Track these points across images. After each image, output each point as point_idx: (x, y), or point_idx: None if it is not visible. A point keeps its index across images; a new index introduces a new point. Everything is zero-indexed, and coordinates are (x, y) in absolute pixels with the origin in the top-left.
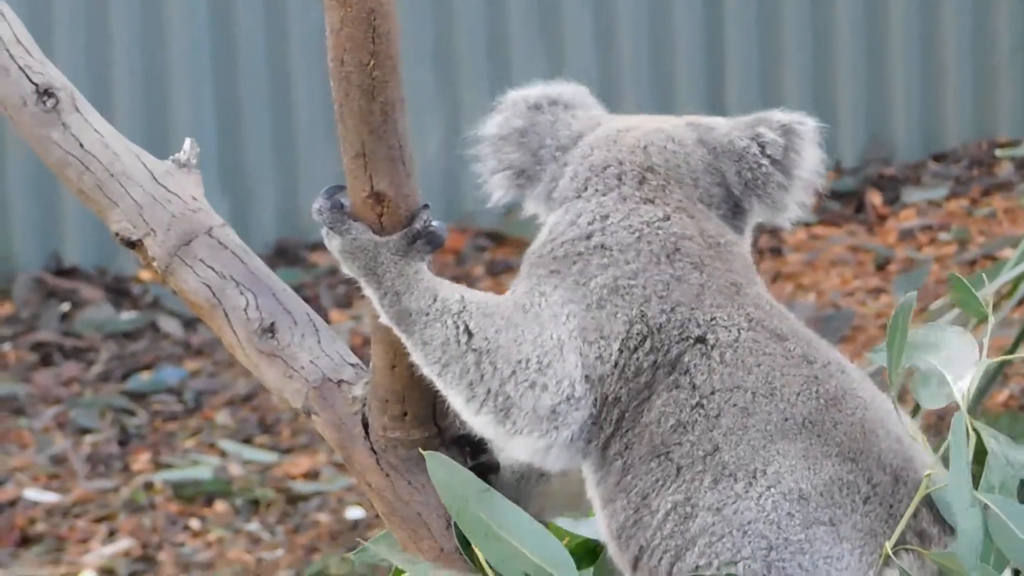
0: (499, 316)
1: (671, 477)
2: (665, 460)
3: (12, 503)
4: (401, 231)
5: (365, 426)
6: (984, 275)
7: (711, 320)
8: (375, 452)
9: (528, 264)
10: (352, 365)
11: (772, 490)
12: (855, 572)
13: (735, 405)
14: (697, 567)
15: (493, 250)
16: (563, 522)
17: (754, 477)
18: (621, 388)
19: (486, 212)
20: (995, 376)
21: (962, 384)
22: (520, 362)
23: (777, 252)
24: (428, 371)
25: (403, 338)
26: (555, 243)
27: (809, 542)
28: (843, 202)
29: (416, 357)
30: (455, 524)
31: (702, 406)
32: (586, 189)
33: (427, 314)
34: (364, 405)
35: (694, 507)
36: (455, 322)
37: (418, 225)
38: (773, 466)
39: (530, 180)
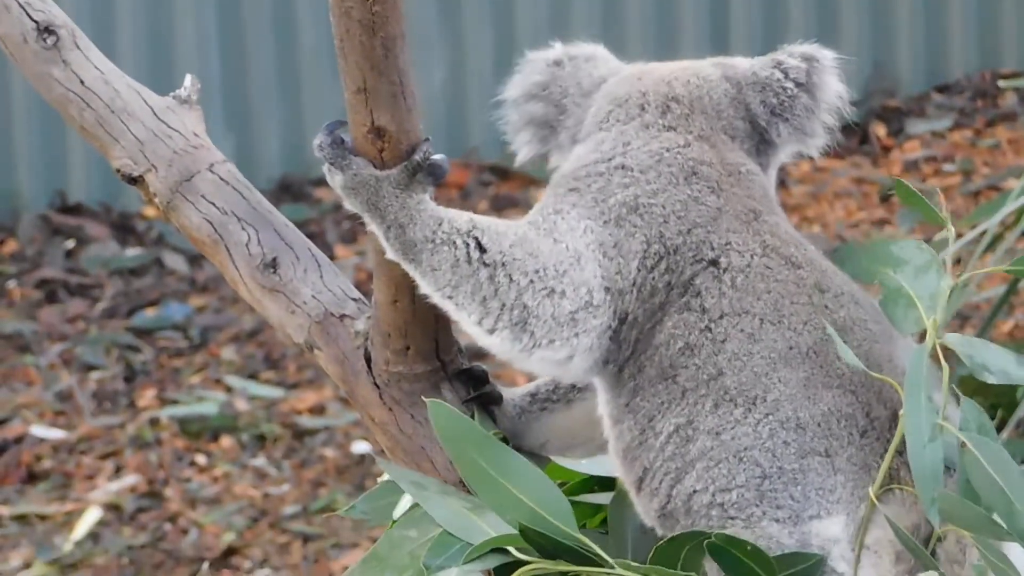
0: (511, 233)
1: (676, 400)
2: (671, 383)
3: (18, 440)
4: (402, 164)
5: (368, 360)
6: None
7: (725, 244)
8: (378, 386)
9: (549, 187)
10: (354, 300)
11: (770, 417)
12: (847, 505)
13: (742, 330)
14: (694, 491)
15: (498, 184)
16: (563, 461)
17: (753, 403)
18: (638, 308)
19: (490, 147)
20: (1000, 305)
21: (929, 308)
22: (537, 271)
23: (782, 184)
24: (438, 297)
25: (410, 269)
26: (575, 167)
27: (803, 472)
28: (847, 134)
29: (425, 286)
30: None
31: (710, 329)
32: (607, 120)
33: (432, 240)
34: (367, 339)
35: (695, 430)
36: (464, 241)
37: (418, 157)
38: (773, 393)
39: (554, 130)
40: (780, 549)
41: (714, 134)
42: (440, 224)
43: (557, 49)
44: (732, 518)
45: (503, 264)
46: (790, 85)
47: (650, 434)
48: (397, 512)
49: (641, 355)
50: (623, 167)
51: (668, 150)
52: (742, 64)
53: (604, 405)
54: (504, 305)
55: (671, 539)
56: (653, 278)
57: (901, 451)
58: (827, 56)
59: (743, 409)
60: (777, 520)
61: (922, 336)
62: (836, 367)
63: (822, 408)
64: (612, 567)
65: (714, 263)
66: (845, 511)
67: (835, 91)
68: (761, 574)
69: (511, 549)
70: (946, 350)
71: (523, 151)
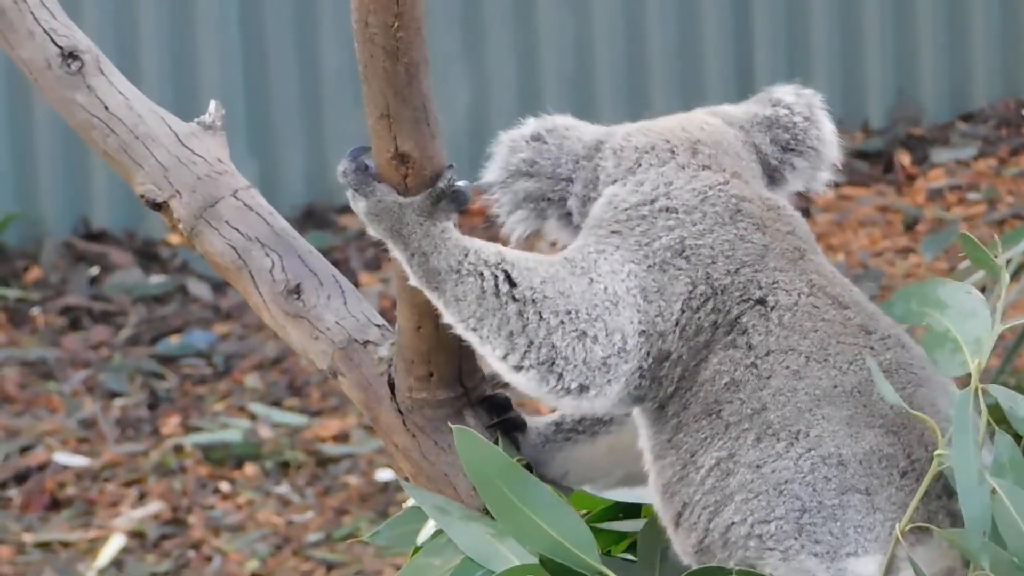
0: (542, 269)
1: (719, 434)
2: (715, 418)
3: (42, 467)
4: (425, 191)
5: (391, 387)
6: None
7: (773, 282)
8: (401, 413)
9: (586, 229)
10: (378, 326)
11: (812, 452)
12: (883, 544)
13: (787, 367)
14: (732, 523)
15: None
16: (588, 489)
17: (796, 438)
18: (682, 346)
19: None
20: None
21: (974, 352)
22: (568, 312)
23: (806, 213)
24: (461, 328)
25: (433, 298)
26: (616, 209)
27: (842, 508)
28: (872, 162)
29: (448, 315)
30: None
31: (755, 366)
32: (640, 165)
33: (458, 271)
34: (390, 366)
35: (736, 463)
36: (492, 273)
37: (442, 184)
38: (816, 429)
39: (552, 202)
40: None
41: (743, 171)
42: (467, 255)
43: (532, 124)
44: (770, 550)
45: (533, 301)
46: (798, 119)
47: (691, 469)
48: (420, 539)
49: (686, 392)
50: (667, 209)
51: (711, 188)
52: (735, 109)
53: (645, 441)
54: (532, 343)
55: (692, 572)
56: (699, 318)
57: (939, 494)
58: (814, 93)
59: (785, 443)
60: (815, 555)
61: (966, 381)
62: (879, 408)
63: (864, 447)
64: None
65: (761, 302)
66: (881, 551)
67: (830, 127)
68: None
69: None
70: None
71: (519, 229)
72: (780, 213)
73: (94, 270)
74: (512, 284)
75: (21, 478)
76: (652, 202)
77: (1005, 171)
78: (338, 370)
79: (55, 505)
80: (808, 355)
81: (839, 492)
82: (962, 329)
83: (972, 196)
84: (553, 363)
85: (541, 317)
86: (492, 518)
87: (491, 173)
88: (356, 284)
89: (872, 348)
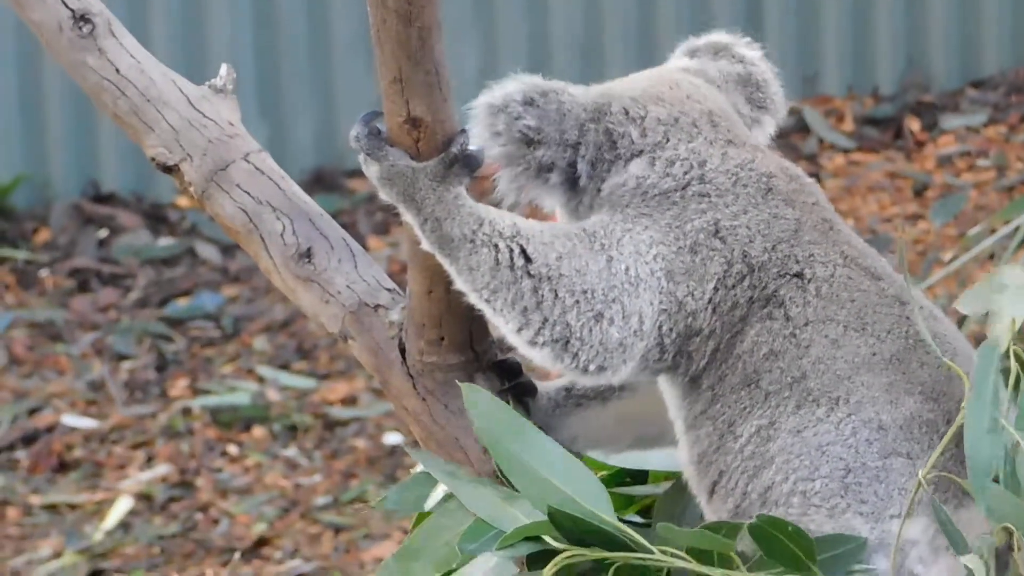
0: (559, 244)
1: (758, 403)
2: (754, 388)
3: (50, 429)
4: (438, 156)
5: (402, 351)
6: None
7: (808, 256)
8: (412, 376)
9: (610, 204)
10: (388, 290)
11: (852, 417)
12: (926, 507)
13: (826, 336)
14: (772, 483)
15: None
16: (595, 455)
17: (836, 403)
18: (716, 322)
19: None
20: None
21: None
22: (585, 292)
23: (816, 178)
24: (474, 298)
25: (446, 264)
26: (646, 193)
27: (886, 471)
28: (881, 128)
29: (461, 283)
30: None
31: (794, 336)
32: (667, 140)
33: (472, 240)
34: (401, 330)
35: (776, 430)
36: (508, 246)
37: (455, 149)
38: (856, 395)
39: (559, 169)
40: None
41: (751, 139)
42: (481, 224)
43: (515, 87)
44: (816, 506)
45: (548, 278)
46: (769, 76)
47: (729, 438)
48: (429, 503)
49: (721, 364)
50: (700, 194)
51: (741, 167)
52: (703, 67)
53: (676, 412)
54: (547, 320)
55: (708, 525)
56: (735, 294)
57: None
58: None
59: (825, 408)
60: (861, 514)
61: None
62: (918, 375)
63: (904, 412)
64: (651, 552)
65: (799, 275)
66: (925, 513)
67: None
68: (801, 556)
69: (546, 538)
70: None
71: (522, 199)
72: (802, 184)
73: (103, 232)
74: (527, 259)
75: (29, 440)
76: (684, 186)
77: (1015, 138)
78: (349, 334)
79: (63, 467)
80: (846, 324)
81: (881, 456)
82: (1014, 304)
83: (982, 163)
84: (568, 342)
85: (556, 295)
86: (502, 483)
87: (488, 143)
88: (365, 248)
89: (907, 318)
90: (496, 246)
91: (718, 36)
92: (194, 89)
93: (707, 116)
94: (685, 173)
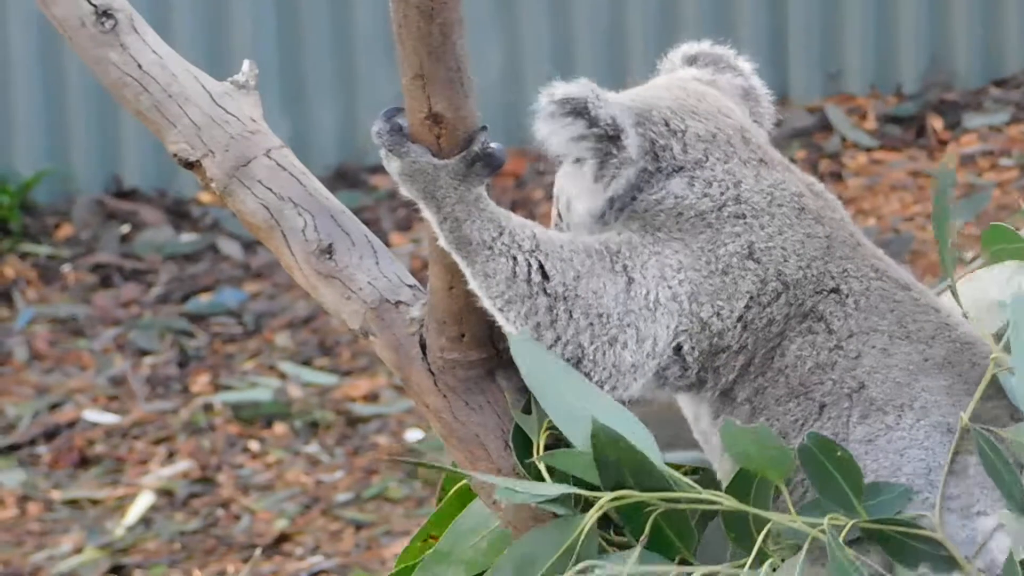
0: (578, 261)
1: (813, 415)
2: (805, 399)
3: (71, 424)
4: (459, 154)
5: (423, 347)
6: None
7: (843, 271)
8: (432, 373)
9: (642, 222)
10: (410, 286)
11: (922, 422)
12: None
13: (874, 346)
14: None
15: (552, 173)
16: None
17: (902, 410)
18: (747, 338)
19: None
20: None
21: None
22: (600, 315)
23: (838, 177)
24: (488, 304)
25: (462, 265)
26: (682, 215)
27: (963, 469)
28: (904, 127)
29: (476, 287)
30: (512, 440)
31: (841, 347)
32: (707, 159)
33: (491, 247)
34: (422, 326)
35: (843, 441)
36: (527, 259)
37: (476, 147)
38: (920, 400)
39: (598, 153)
40: (955, 542)
41: (778, 156)
42: (501, 232)
43: (577, 88)
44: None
45: (564, 298)
46: (764, 91)
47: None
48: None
49: (757, 377)
50: (736, 215)
51: (775, 187)
52: (715, 77)
53: (710, 426)
54: (559, 338)
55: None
56: (770, 312)
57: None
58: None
59: (894, 416)
60: (950, 510)
61: None
62: (972, 375)
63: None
64: (697, 492)
65: (835, 291)
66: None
67: None
68: (848, 492)
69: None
70: None
71: (576, 186)
72: (826, 200)
73: (125, 228)
74: (545, 276)
75: (50, 435)
76: (720, 208)
77: None
78: (370, 330)
79: (84, 462)
80: (890, 334)
81: (956, 456)
82: None
83: (1004, 162)
84: (580, 361)
85: (571, 316)
86: (525, 470)
87: (552, 131)
88: (387, 244)
89: (946, 324)
90: (515, 258)
91: (713, 47)
92: (216, 85)
93: (739, 132)
94: (722, 194)
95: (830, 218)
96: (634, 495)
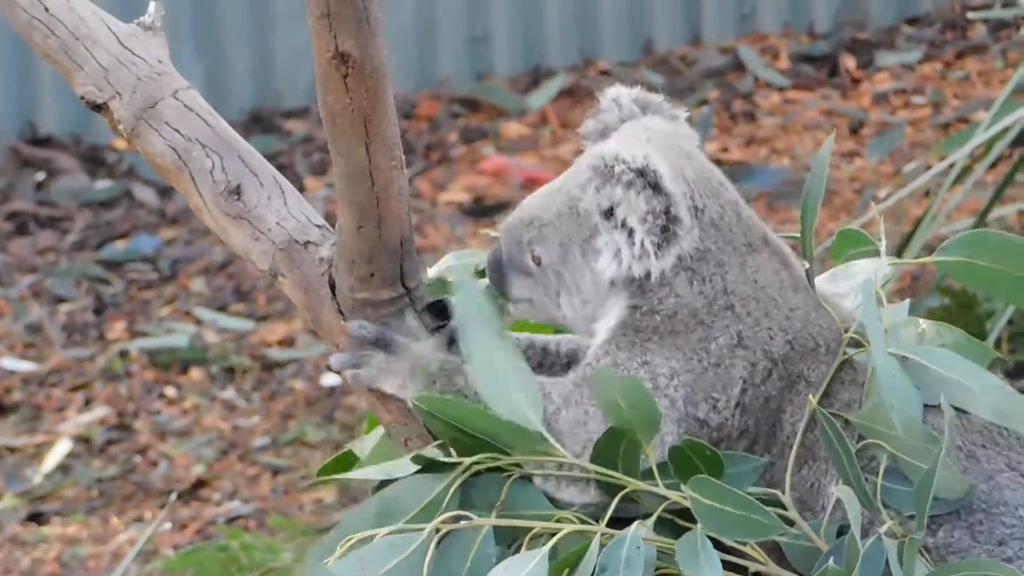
0: (556, 394)
1: (823, 472)
2: (812, 461)
3: None
4: (432, 339)
5: (332, 287)
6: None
7: (819, 331)
8: (343, 313)
9: (634, 331)
10: (318, 226)
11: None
12: None
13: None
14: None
15: (467, 116)
16: None
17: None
18: (747, 421)
19: (460, 78)
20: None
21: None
22: (590, 439)
23: (751, 116)
24: None
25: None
26: (675, 315)
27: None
28: (817, 66)
29: None
30: (413, 404)
31: (827, 396)
32: (711, 250)
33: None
34: (331, 266)
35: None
36: None
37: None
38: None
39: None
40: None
41: (759, 226)
42: None
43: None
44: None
45: (551, 432)
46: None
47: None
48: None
49: (764, 454)
50: (725, 307)
51: (757, 271)
52: (677, 129)
53: None
54: (562, 466)
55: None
56: (765, 389)
57: None
58: None
59: None
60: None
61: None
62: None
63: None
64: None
65: (814, 350)
66: None
67: None
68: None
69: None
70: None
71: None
72: (789, 262)
73: (40, 175)
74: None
75: None
76: (711, 303)
77: (950, 75)
78: (279, 271)
79: (1, 410)
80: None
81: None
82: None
83: (917, 100)
84: (588, 481)
85: (564, 446)
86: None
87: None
88: (302, 189)
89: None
90: None
91: (652, 96)
92: (123, 27)
93: (734, 208)
94: (713, 289)
95: (800, 282)
96: (499, 458)
